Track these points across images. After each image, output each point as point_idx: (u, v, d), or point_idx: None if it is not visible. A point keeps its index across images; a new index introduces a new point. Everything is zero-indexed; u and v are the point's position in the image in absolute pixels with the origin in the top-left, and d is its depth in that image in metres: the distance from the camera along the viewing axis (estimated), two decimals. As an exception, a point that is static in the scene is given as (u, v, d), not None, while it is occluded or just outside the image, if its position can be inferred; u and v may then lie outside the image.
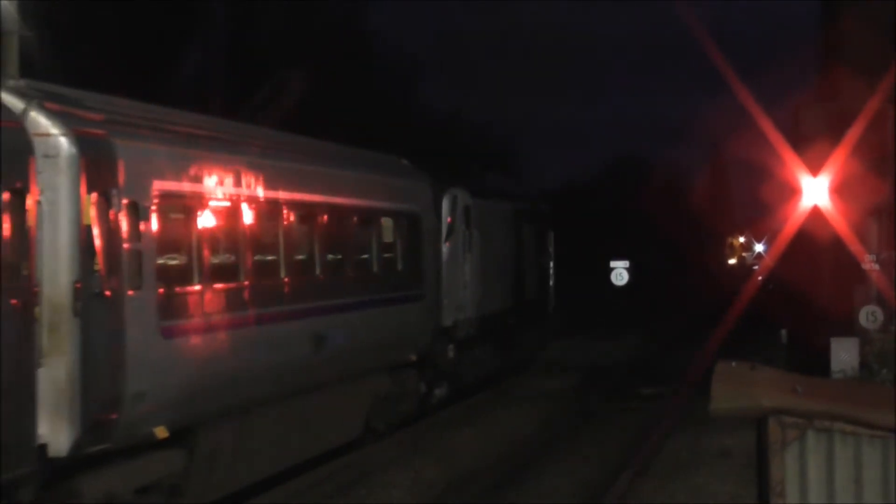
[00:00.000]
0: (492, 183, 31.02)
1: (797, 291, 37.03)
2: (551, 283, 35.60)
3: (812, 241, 30.42)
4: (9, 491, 11.58)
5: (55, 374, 12.01)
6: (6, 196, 11.24)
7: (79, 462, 12.43)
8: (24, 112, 12.16)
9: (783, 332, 28.82)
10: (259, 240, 16.07)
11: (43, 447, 11.98)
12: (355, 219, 19.52)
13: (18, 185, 11.46)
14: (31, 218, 11.68)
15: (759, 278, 52.88)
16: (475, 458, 20.10)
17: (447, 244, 24.92)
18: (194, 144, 14.93)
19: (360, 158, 21.60)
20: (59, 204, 12.11)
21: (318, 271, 17.88)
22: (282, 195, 16.80)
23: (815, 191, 25.03)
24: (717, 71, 28.33)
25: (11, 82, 12.66)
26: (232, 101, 36.96)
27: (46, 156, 12.11)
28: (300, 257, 17.35)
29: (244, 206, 15.68)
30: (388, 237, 21.25)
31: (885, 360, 19.26)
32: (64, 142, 12.28)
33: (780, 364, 22.88)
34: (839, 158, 24.80)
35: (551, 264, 35.69)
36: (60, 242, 12.13)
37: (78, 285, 12.16)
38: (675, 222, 74.10)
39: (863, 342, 21.33)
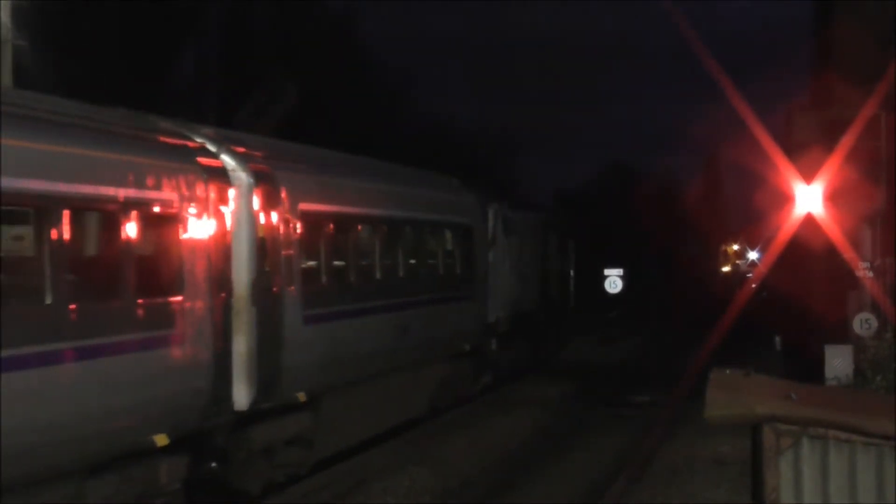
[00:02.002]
0: (524, 197, 37.25)
1: (791, 299, 37.26)
2: (571, 286, 40.59)
3: (806, 249, 30.66)
4: (210, 435, 15.93)
5: (239, 348, 16.24)
6: (217, 219, 15.72)
7: (250, 416, 16.70)
8: (217, 154, 16.42)
9: (777, 339, 29.07)
10: (362, 247, 20.72)
11: (231, 402, 16.24)
12: (427, 230, 24.27)
13: (227, 208, 16.02)
14: (227, 234, 16.04)
15: (753, 286, 53.03)
16: (470, 465, 20.49)
17: (491, 251, 29.25)
18: (323, 172, 19.74)
19: (427, 179, 26.41)
20: (241, 221, 16.44)
21: (401, 273, 22.35)
22: (377, 211, 21.42)
23: (808, 198, 25.27)
24: (711, 77, 28.56)
25: (204, 130, 17.10)
26: (225, 106, 37.08)
27: (232, 186, 16.45)
28: (389, 261, 21.85)
29: (353, 220, 20.33)
30: (448, 245, 25.93)
31: (879, 367, 19.48)
32: (244, 175, 16.62)
33: (775, 371, 23.10)
34: (833, 165, 25.04)
35: (571, 271, 40.59)
36: (242, 250, 16.41)
37: (254, 282, 16.51)
38: (668, 230, 74.24)
39: (857, 349, 21.64)
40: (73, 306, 12.65)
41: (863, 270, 24.09)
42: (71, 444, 12.79)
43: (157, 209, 14.38)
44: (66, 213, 12.65)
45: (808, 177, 25.61)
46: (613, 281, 47.25)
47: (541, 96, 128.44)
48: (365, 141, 38.27)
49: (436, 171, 28.08)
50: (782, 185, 26.86)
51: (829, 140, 26.47)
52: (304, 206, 18.03)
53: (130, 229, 13.74)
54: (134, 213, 13.77)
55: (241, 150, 16.99)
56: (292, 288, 17.52)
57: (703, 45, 31.06)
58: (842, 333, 23.78)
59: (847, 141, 25.12)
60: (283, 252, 17.31)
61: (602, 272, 47.44)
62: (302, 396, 17.94)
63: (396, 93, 56.66)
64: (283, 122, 37.00)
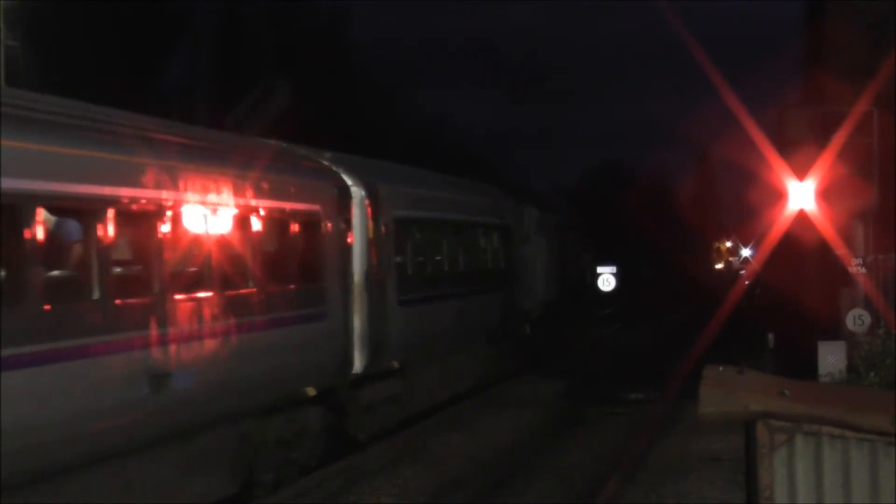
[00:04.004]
0: (549, 200, 42.96)
1: (784, 295, 37.24)
2: (586, 279, 46.61)
3: (799, 245, 30.66)
4: (339, 389, 20.84)
5: (356, 324, 21.20)
6: (343, 224, 20.75)
7: (361, 379, 21.69)
8: (339, 173, 21.35)
9: (770, 336, 29.01)
10: (434, 245, 25.82)
11: (351, 367, 21.47)
12: (479, 230, 29.43)
13: (349, 216, 21.14)
14: (349, 235, 21.17)
15: (746, 283, 53.01)
16: (463, 465, 20.79)
17: (525, 247, 34.03)
18: (406, 185, 24.84)
19: (477, 187, 31.68)
20: (357, 226, 21.52)
21: (461, 267, 27.48)
22: (444, 216, 26.50)
23: (801, 195, 25.27)
24: (704, 74, 28.58)
25: (326, 154, 21.83)
26: (217, 109, 36.97)
27: (352, 198, 22.03)
28: (453, 257, 26.98)
29: (428, 223, 25.34)
30: (494, 243, 30.82)
31: (872, 364, 19.40)
32: (358, 190, 21.65)
33: (768, 368, 23.09)
34: (825, 162, 25.03)
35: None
36: (357, 247, 21.43)
37: (366, 272, 21.53)
38: (661, 227, 74.22)
39: (850, 345, 21.52)
40: (269, 288, 17.51)
41: (855, 267, 24.04)
42: (264, 389, 17.51)
43: (312, 218, 19.46)
44: (286, 223, 17.95)
45: (801, 173, 25.67)
46: (606, 278, 47.27)
47: (537, 94, 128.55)
48: (359, 139, 38.21)
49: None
50: (775, 181, 26.90)
51: (821, 137, 26.55)
52: (396, 212, 23.21)
53: (299, 232, 18.76)
54: (301, 220, 18.90)
55: (351, 167, 21.94)
56: (389, 278, 22.63)
57: (696, 42, 31.04)
58: (835, 330, 23.74)
59: (839, 138, 25.24)
60: (384, 249, 22.43)
61: (594, 269, 47.43)
62: (396, 365, 23.01)
63: (392, 91, 56.60)
64: (276, 121, 36.90)
